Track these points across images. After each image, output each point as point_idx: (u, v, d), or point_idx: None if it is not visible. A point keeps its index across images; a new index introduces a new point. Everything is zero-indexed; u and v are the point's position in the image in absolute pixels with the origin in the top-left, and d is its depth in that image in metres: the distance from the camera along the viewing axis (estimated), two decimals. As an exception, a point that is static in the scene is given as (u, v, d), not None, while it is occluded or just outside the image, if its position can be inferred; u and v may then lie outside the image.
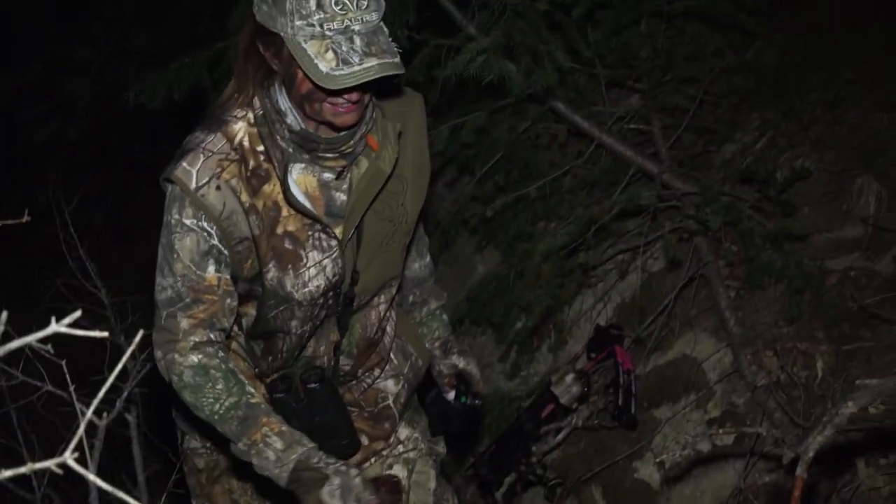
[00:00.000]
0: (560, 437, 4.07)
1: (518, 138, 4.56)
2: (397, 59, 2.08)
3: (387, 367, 2.69)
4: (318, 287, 2.36)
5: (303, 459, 2.20)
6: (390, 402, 2.69)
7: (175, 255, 2.25)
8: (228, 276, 2.29)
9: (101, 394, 1.05)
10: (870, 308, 3.60)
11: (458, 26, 4.20)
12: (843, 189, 4.04)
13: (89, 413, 1.04)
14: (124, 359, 1.07)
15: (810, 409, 3.54)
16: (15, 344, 1.02)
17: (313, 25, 2.04)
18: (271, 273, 2.32)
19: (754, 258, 3.86)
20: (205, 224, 2.23)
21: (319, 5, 2.03)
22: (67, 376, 2.36)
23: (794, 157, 4.22)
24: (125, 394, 3.50)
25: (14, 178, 8.08)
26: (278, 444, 2.21)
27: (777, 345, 3.75)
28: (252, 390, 2.29)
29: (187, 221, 2.24)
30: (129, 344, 1.07)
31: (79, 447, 1.00)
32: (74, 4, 8.12)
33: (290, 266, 2.32)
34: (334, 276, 2.37)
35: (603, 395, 4.05)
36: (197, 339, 2.27)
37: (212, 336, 2.29)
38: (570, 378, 3.91)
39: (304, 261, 2.33)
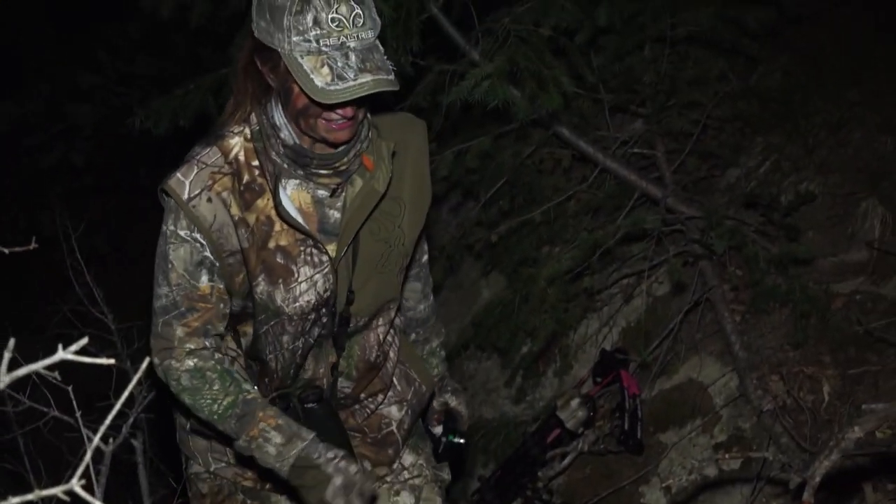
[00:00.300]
0: (566, 461, 4.06)
1: (522, 163, 4.57)
2: (392, 77, 2.11)
3: (390, 392, 2.69)
4: (308, 302, 2.38)
5: (303, 455, 2.27)
6: (394, 428, 2.69)
7: (170, 265, 2.30)
8: (222, 286, 2.34)
9: (107, 420, 1.05)
10: (876, 332, 3.60)
11: (462, 52, 4.22)
12: (847, 213, 4.04)
13: (96, 440, 1.04)
14: (131, 385, 1.07)
15: (817, 434, 3.53)
16: (22, 371, 1.02)
17: (310, 41, 2.07)
18: (261, 287, 2.34)
19: (759, 282, 3.85)
20: (197, 235, 2.28)
21: (316, 22, 2.06)
22: (74, 402, 2.37)
23: (799, 180, 4.23)
24: (131, 419, 3.49)
25: (19, 203, 8.10)
26: (278, 439, 2.29)
27: (783, 369, 3.74)
28: (248, 387, 2.36)
29: (181, 232, 2.28)
30: (136, 370, 1.08)
31: (85, 473, 1.00)
32: (79, 31, 8.16)
33: (280, 280, 2.34)
34: (325, 291, 2.38)
35: (609, 419, 4.04)
36: (192, 347, 2.34)
37: (206, 343, 2.36)
38: (575, 403, 3.90)
39: (296, 276, 2.35)
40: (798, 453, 3.48)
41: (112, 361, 1.04)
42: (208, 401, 2.32)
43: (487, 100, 3.50)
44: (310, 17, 2.06)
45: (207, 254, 2.29)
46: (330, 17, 2.06)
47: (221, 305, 2.35)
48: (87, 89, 7.95)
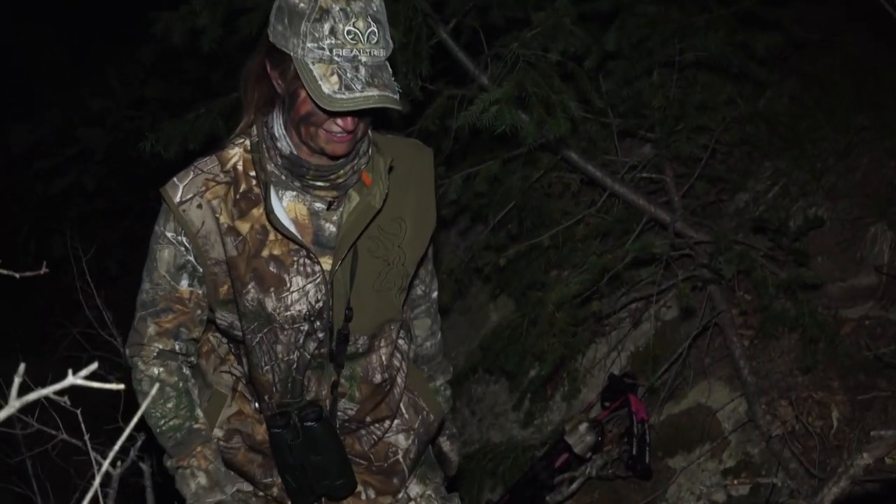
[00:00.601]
0: (574, 486, 4.05)
1: (531, 187, 4.58)
2: (397, 97, 2.14)
3: (397, 420, 2.67)
4: (300, 311, 2.39)
5: None
6: (400, 457, 2.67)
7: (154, 264, 2.39)
8: (201, 292, 2.41)
9: (117, 446, 1.06)
10: (885, 357, 3.59)
11: (471, 77, 4.24)
12: (856, 237, 4.03)
13: (106, 464, 1.05)
14: (141, 411, 1.08)
15: (826, 460, 3.52)
16: (32, 396, 1.03)
17: (323, 49, 2.11)
18: (251, 294, 2.36)
19: (768, 307, 3.85)
20: (183, 239, 2.35)
21: (332, 31, 2.10)
22: (83, 425, 2.38)
23: (807, 205, 4.23)
24: (139, 442, 3.50)
25: (31, 226, 8.14)
26: (203, 481, 2.43)
27: (792, 394, 3.73)
28: (200, 414, 2.48)
29: (169, 234, 2.36)
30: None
31: (94, 497, 1.01)
32: (91, 56, 8.21)
33: (272, 289, 2.36)
34: (317, 302, 2.39)
35: (617, 444, 4.03)
36: (161, 347, 2.44)
37: (177, 347, 2.46)
38: (583, 427, 3.89)
39: (288, 285, 2.37)
40: (807, 479, 3.47)
41: (121, 387, 1.05)
42: (157, 414, 2.44)
43: (496, 124, 3.52)
44: (327, 27, 2.10)
45: (191, 258, 2.36)
46: (346, 29, 2.10)
47: (198, 311, 2.43)
48: (98, 114, 8.00)
